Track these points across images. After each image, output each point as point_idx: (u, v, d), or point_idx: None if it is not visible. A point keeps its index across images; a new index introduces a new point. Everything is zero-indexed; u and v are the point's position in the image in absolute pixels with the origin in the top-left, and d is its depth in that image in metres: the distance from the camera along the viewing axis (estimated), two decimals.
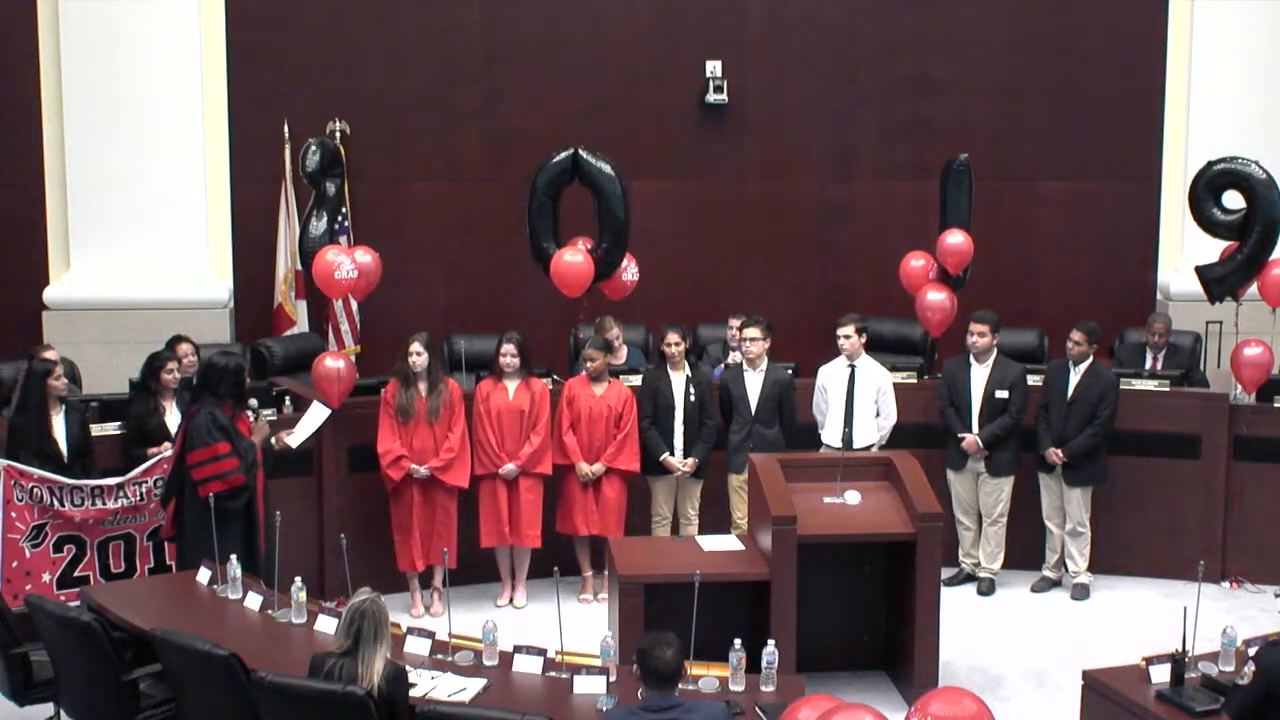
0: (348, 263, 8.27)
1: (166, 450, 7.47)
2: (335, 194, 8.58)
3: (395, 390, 8.15)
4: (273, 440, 7.50)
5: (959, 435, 8.55)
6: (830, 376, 8.57)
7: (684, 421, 8.44)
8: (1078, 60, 11.12)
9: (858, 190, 11.20)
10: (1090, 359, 8.50)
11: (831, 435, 8.40)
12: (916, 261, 9.26)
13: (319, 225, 8.40)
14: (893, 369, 8.71)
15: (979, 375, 8.58)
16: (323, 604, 6.46)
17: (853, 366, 8.52)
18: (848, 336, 8.49)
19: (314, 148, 8.47)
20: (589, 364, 8.39)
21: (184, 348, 8.55)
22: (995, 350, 8.60)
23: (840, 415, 8.45)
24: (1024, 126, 11.15)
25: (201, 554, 6.84)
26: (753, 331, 8.45)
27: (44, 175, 10.33)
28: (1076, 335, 8.47)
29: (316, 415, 8.00)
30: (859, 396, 8.45)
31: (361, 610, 5.16)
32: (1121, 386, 8.58)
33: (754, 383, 8.45)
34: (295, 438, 7.82)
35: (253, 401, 7.36)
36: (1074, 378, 8.49)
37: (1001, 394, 8.50)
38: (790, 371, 8.66)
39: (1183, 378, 9.01)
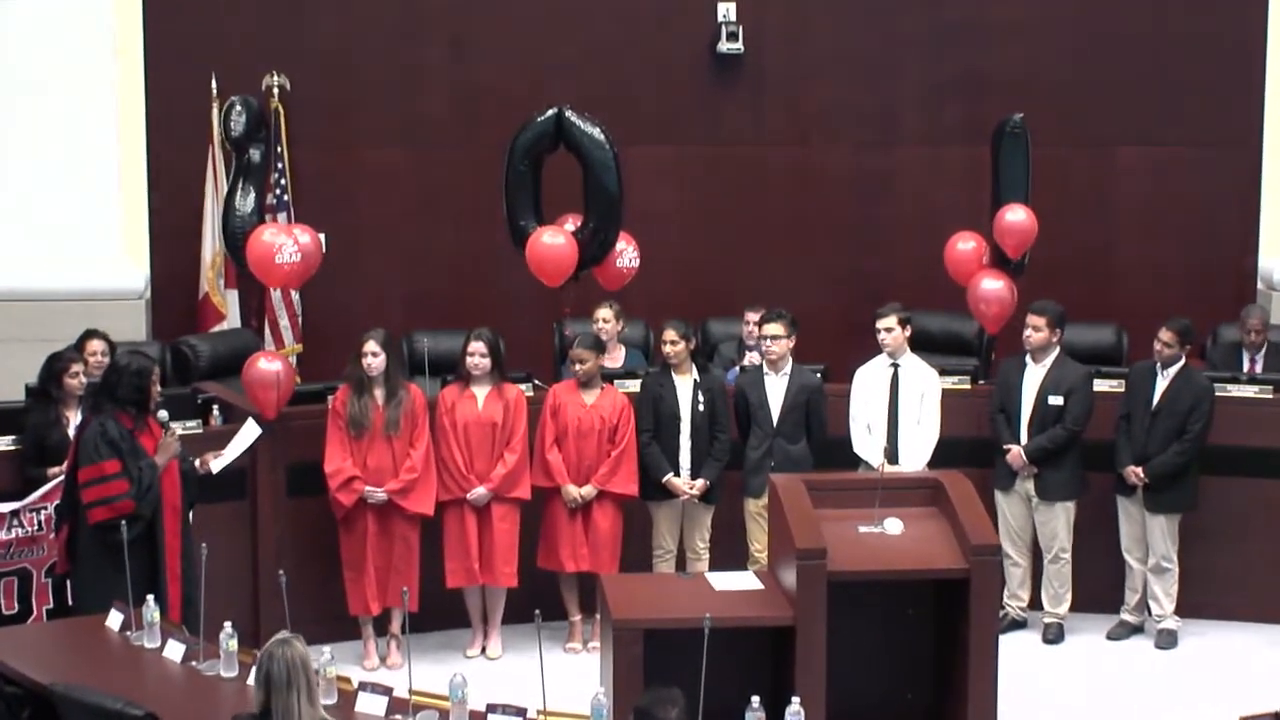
0: (290, 244, 8.25)
1: None
2: (261, 162, 8.58)
3: (346, 398, 8.14)
4: (196, 462, 7.48)
5: (1004, 447, 8.58)
6: (869, 379, 8.57)
7: (691, 435, 8.44)
8: (1162, 1, 11.12)
9: (899, 158, 11.20)
10: (1181, 362, 8.50)
11: (871, 450, 8.40)
12: (965, 244, 9.25)
13: (246, 202, 8.40)
14: (942, 372, 8.71)
15: (1033, 377, 8.59)
16: (256, 654, 6.44)
17: (895, 366, 8.53)
18: (889, 329, 8.50)
19: (239, 107, 8.46)
20: (578, 366, 8.39)
21: (94, 345, 8.53)
22: (1057, 349, 8.61)
23: (882, 426, 8.46)
24: (1098, 81, 11.14)
25: (98, 593, 6.82)
26: (774, 328, 8.45)
27: None
28: (1166, 335, 8.48)
29: (247, 435, 7.97)
30: (904, 402, 8.46)
31: (269, 653, 5.08)
32: (1217, 394, 8.58)
33: (776, 389, 8.45)
34: (221, 460, 7.78)
35: (162, 414, 7.30)
36: (1161, 383, 8.49)
37: (1056, 400, 8.51)
38: (819, 375, 8.66)
39: None
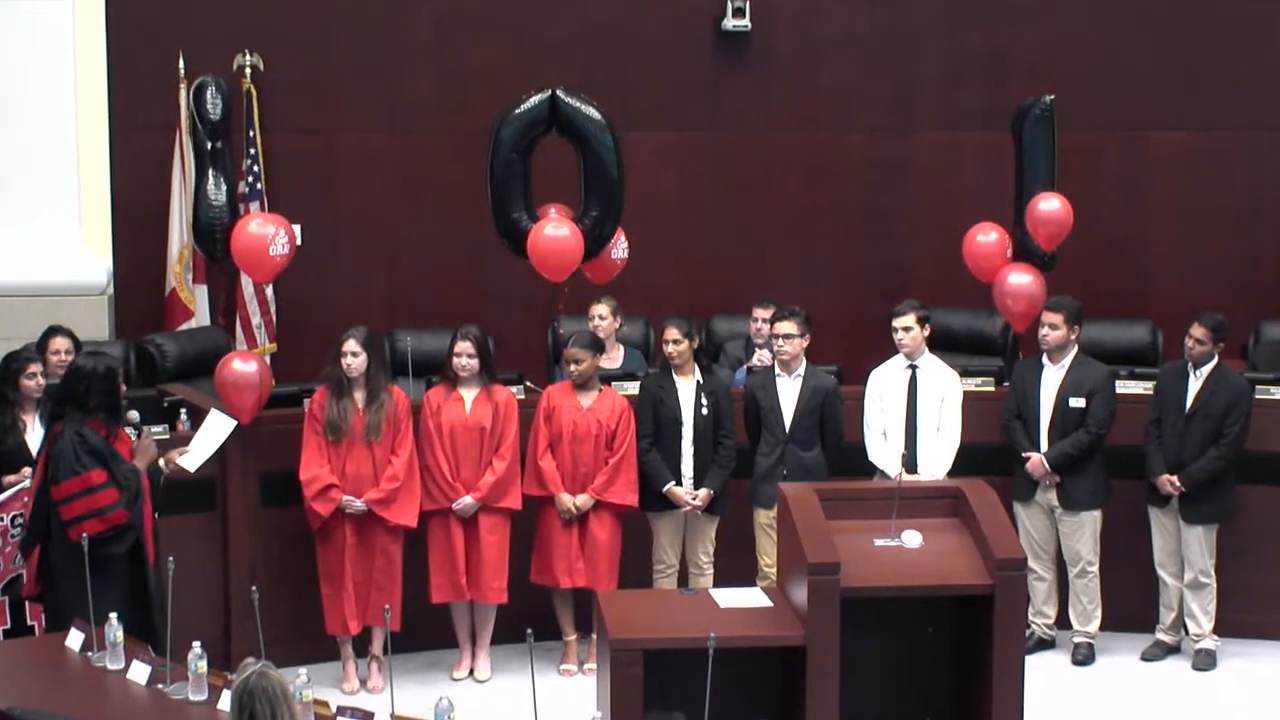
0: (282, 235, 8.26)
1: (28, 478, 7.45)
2: (226, 149, 8.56)
3: (324, 401, 8.14)
4: (162, 462, 7.48)
5: (1023, 455, 8.58)
6: (885, 383, 8.58)
7: (694, 442, 8.45)
8: None
9: (916, 144, 11.22)
10: (1215, 361, 8.51)
11: (887, 458, 8.41)
12: (986, 236, 9.27)
13: (219, 192, 8.39)
14: (964, 373, 8.72)
15: (1051, 379, 8.60)
16: (228, 676, 6.44)
17: (913, 368, 8.55)
18: (907, 329, 8.51)
19: (213, 88, 8.46)
20: (573, 367, 8.39)
21: (58, 343, 8.53)
22: (1075, 348, 8.62)
23: (899, 432, 8.47)
24: (1129, 61, 11.16)
25: (78, 614, 6.81)
26: (787, 326, 8.45)
27: None
28: (1198, 331, 8.49)
29: (218, 428, 7.97)
30: (923, 407, 8.48)
31: (250, 690, 5.05)
32: (1257, 396, 8.58)
33: (789, 391, 8.46)
34: (192, 458, 7.78)
35: (133, 415, 7.32)
36: (1194, 385, 8.50)
37: (1077, 402, 8.52)
38: (834, 377, 8.66)
39: None
